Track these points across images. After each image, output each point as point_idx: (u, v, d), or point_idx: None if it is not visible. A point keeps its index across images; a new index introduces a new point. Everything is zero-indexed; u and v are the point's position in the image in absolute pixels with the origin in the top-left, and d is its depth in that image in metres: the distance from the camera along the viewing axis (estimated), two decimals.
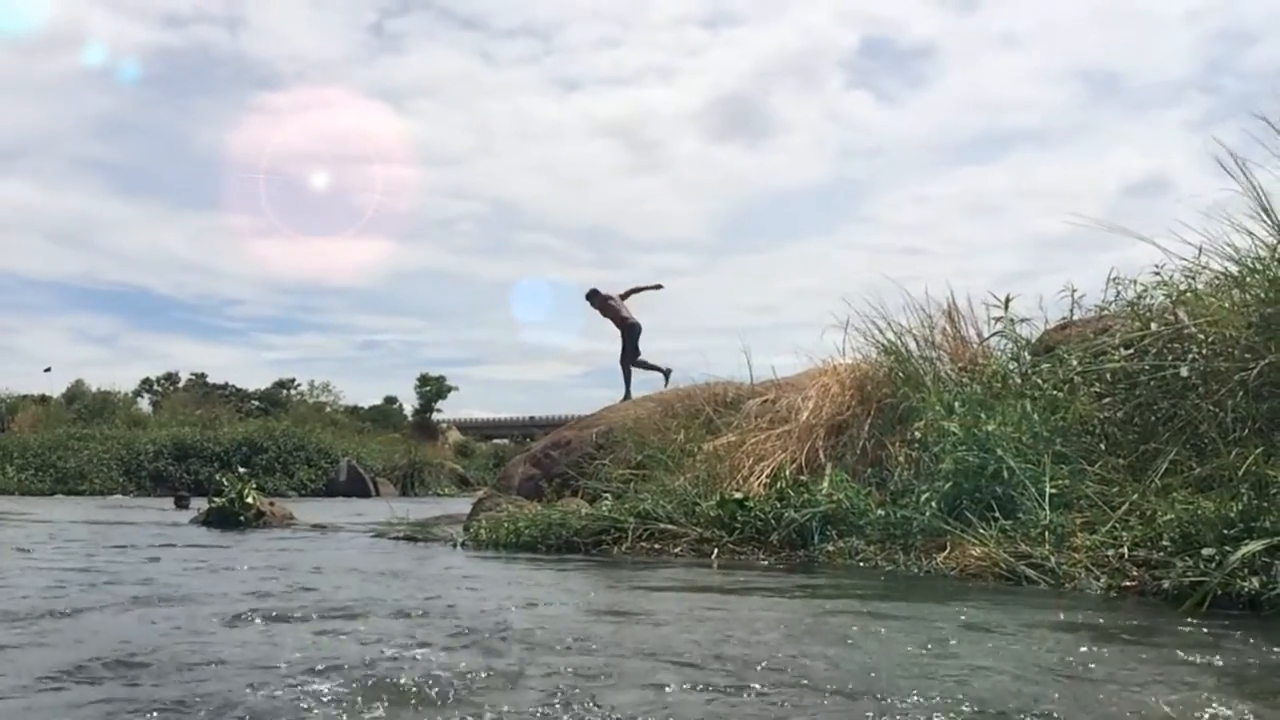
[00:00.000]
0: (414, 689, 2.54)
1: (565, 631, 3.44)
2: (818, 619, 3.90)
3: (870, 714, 2.35)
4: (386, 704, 2.41)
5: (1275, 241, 5.57)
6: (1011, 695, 2.49)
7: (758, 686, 2.64)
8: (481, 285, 75.83)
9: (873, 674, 2.77)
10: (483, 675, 2.70)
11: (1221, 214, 5.78)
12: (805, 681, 2.69)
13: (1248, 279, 5.58)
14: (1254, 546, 3.96)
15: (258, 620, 3.79)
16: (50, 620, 3.78)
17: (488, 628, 3.54)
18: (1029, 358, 7.17)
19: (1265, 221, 5.61)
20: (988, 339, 7.76)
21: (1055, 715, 2.31)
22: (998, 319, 7.59)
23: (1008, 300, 7.53)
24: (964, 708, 2.37)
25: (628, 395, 11.69)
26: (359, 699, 2.45)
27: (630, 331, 11.97)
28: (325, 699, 2.46)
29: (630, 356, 11.95)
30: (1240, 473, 4.49)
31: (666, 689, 2.58)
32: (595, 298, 12.05)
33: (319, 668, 2.78)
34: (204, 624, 3.70)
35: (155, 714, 2.35)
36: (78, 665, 2.85)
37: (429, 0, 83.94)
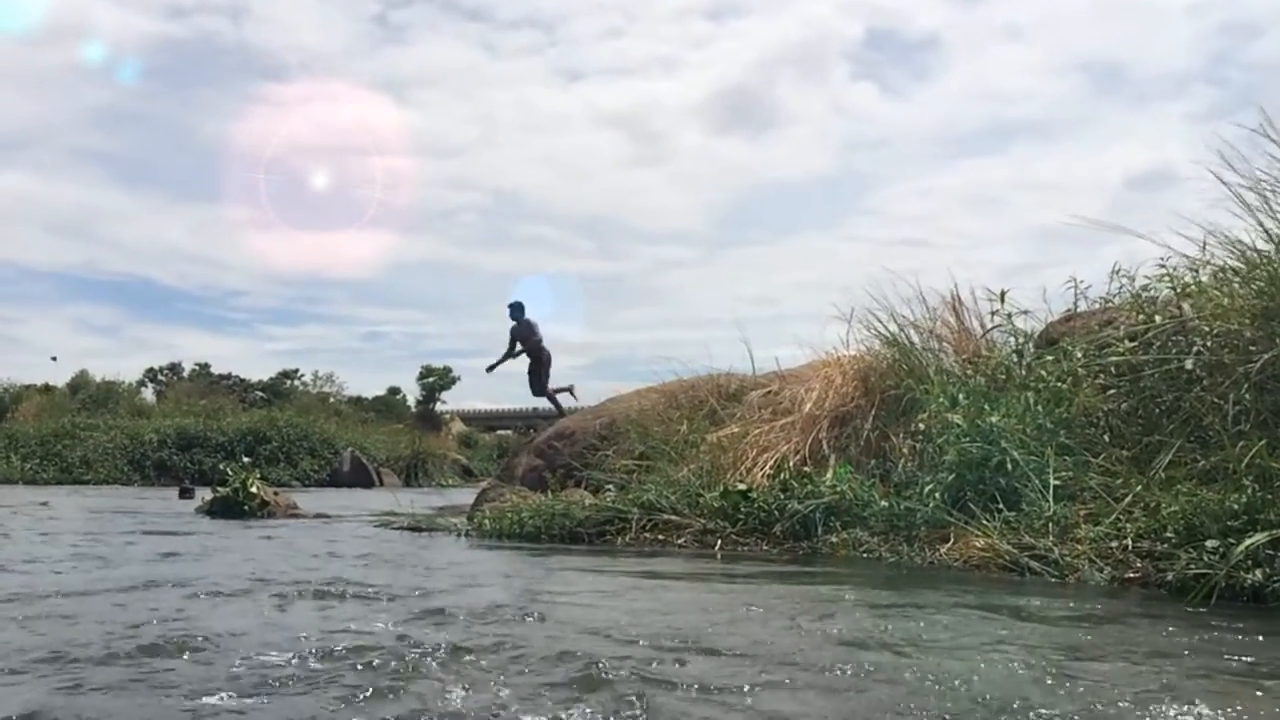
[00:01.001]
0: (383, 666, 2.68)
1: (532, 613, 3.62)
2: (787, 605, 3.95)
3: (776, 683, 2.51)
4: (350, 680, 2.52)
5: (1273, 236, 5.55)
6: (992, 687, 2.50)
7: (670, 656, 2.84)
8: (483, 276, 75.52)
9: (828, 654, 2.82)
10: (445, 650, 2.87)
11: (1225, 208, 5.76)
12: (719, 654, 2.90)
13: (1250, 272, 5.57)
14: (1258, 539, 3.96)
15: (243, 605, 3.86)
16: (41, 604, 3.81)
17: (467, 609, 3.67)
18: (1032, 349, 7.17)
19: (1264, 217, 5.60)
20: (989, 331, 7.76)
21: (1036, 703, 2.32)
22: (994, 312, 7.61)
23: (1003, 294, 7.54)
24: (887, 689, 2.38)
25: (561, 412, 12.24)
26: (331, 677, 2.54)
27: (544, 360, 12.41)
28: (304, 677, 2.55)
29: (541, 383, 12.48)
30: (1244, 465, 4.48)
31: (600, 657, 2.80)
32: (520, 312, 12.38)
33: (298, 648, 2.88)
34: (193, 607, 3.77)
35: (128, 691, 2.42)
36: (57, 646, 2.92)
37: None
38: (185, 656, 2.81)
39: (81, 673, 2.60)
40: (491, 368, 12.56)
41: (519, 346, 12.30)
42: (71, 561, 5.54)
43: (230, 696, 2.36)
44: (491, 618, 3.52)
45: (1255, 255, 5.59)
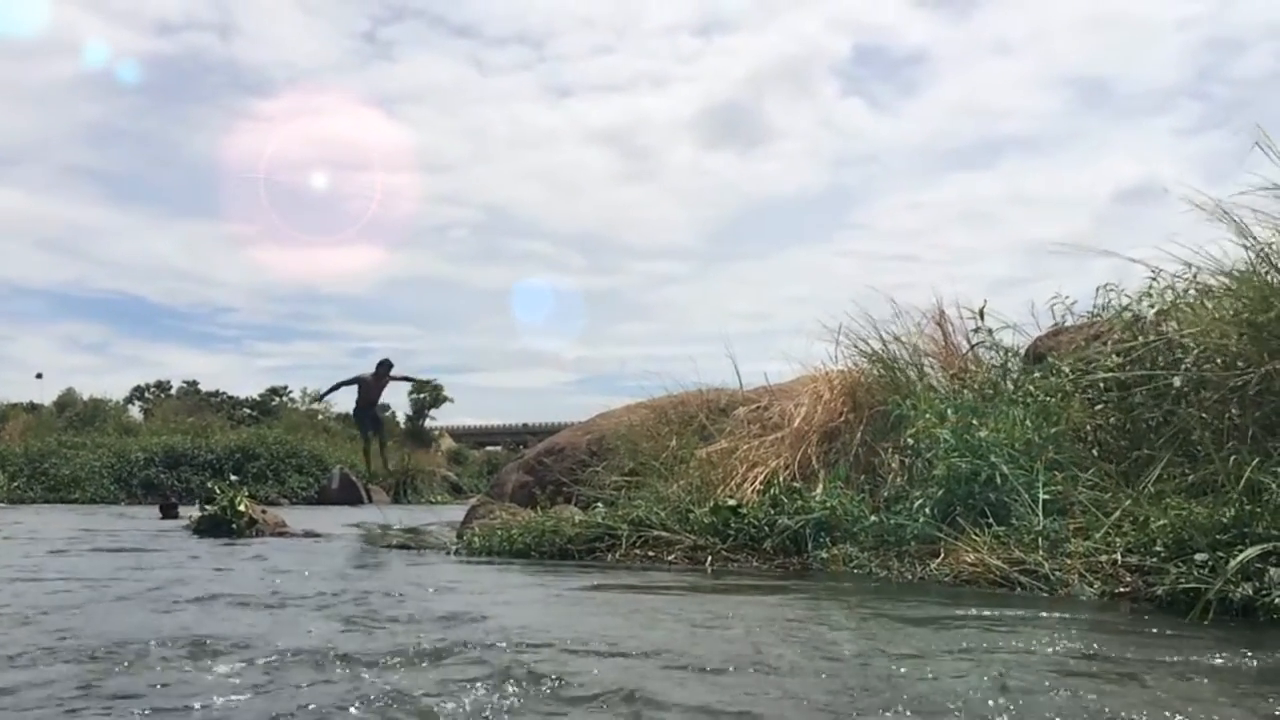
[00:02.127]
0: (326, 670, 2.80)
1: (478, 620, 3.85)
2: (732, 613, 3.96)
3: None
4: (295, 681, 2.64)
5: (1254, 254, 5.59)
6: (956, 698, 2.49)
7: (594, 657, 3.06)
8: (474, 292, 75.69)
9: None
10: (410, 653, 3.09)
11: (1210, 223, 5.80)
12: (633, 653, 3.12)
13: (1235, 287, 5.59)
14: (1250, 553, 3.96)
15: (233, 619, 3.83)
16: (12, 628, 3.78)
17: (441, 617, 3.85)
18: (1019, 364, 7.18)
19: (1246, 234, 5.65)
20: (973, 347, 7.78)
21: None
22: (975, 329, 7.64)
23: (982, 310, 7.58)
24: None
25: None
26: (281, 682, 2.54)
27: (375, 418, 14.72)
28: (276, 688, 2.63)
29: (363, 415, 14.58)
30: (1239, 485, 4.48)
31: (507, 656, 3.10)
32: (380, 368, 13.99)
33: (278, 659, 2.97)
34: (178, 622, 3.77)
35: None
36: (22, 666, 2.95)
37: (421, 8, 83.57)
38: (169, 668, 2.84)
39: (50, 688, 2.61)
40: (321, 396, 14.87)
41: (358, 390, 14.05)
42: (45, 583, 5.46)
43: (210, 705, 2.40)
44: (438, 626, 3.73)
45: (1241, 270, 5.62)
